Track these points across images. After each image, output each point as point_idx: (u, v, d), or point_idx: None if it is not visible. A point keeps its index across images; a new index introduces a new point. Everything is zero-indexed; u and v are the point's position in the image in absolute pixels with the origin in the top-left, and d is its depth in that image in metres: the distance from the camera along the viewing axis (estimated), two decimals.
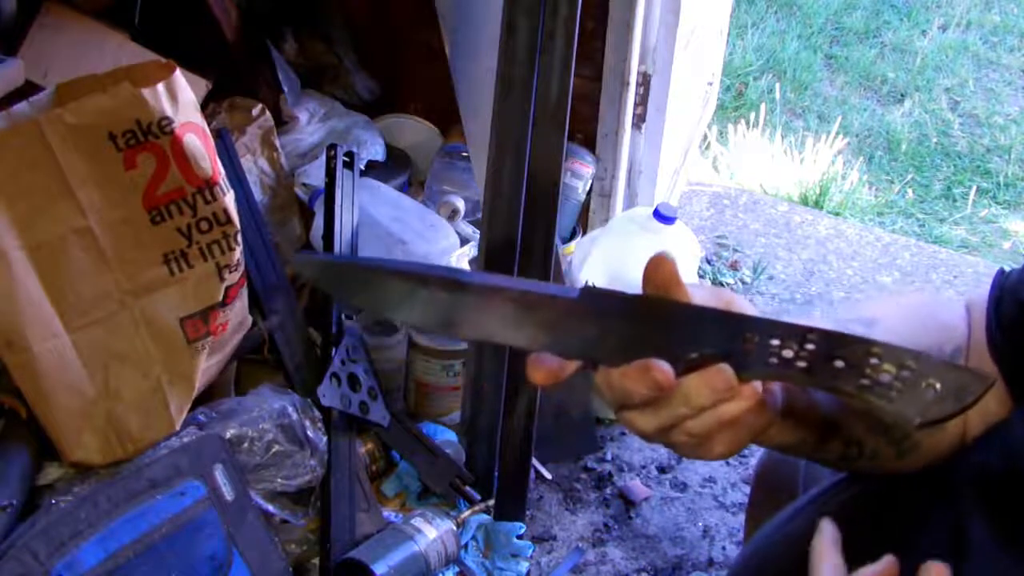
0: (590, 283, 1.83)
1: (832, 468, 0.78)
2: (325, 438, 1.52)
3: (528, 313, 0.58)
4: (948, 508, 0.74)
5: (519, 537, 1.62)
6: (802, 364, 0.57)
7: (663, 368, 0.57)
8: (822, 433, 0.71)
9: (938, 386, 0.56)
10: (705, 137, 2.92)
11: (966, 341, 0.77)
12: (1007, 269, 0.79)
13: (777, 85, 3.34)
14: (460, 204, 1.94)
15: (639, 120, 2.07)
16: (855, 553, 0.65)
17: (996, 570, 0.68)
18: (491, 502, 1.64)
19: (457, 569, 1.56)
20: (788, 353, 0.58)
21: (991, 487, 0.72)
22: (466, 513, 1.60)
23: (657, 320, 0.59)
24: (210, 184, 1.39)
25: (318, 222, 1.86)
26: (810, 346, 0.58)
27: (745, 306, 0.63)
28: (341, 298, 0.63)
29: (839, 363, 0.57)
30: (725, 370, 0.58)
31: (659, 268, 0.59)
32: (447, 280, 0.58)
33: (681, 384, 0.58)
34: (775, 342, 0.58)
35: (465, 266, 1.75)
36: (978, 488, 0.73)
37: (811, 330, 0.58)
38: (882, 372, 0.57)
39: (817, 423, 0.70)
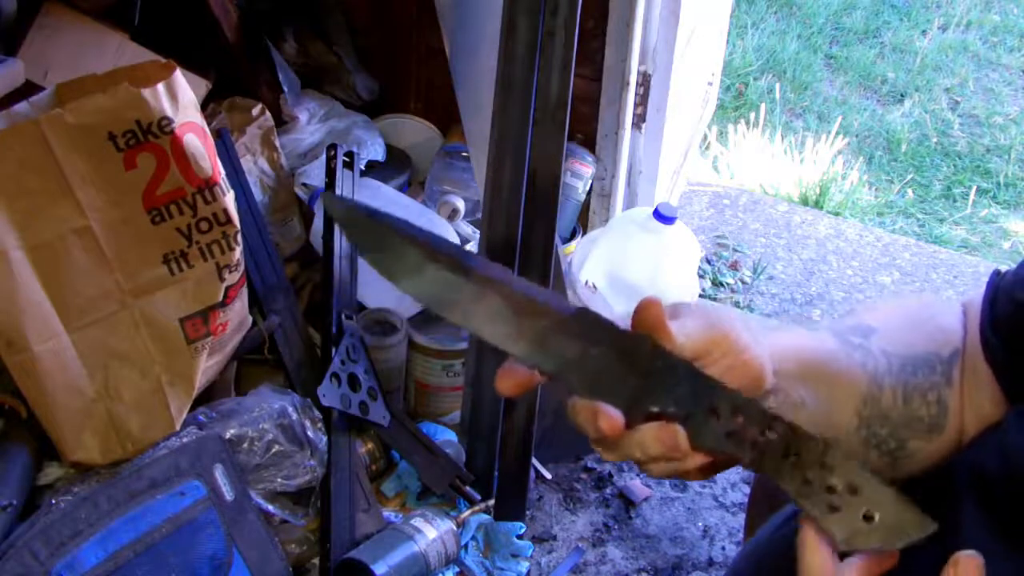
0: (590, 283, 1.83)
1: None
2: (325, 438, 1.52)
3: (518, 317, 0.58)
4: (944, 510, 0.74)
5: (519, 537, 1.62)
6: (756, 451, 0.58)
7: (611, 418, 0.58)
8: None
9: (877, 517, 0.56)
10: (705, 137, 2.93)
11: (962, 343, 0.77)
12: (1003, 270, 0.79)
13: (777, 85, 3.34)
14: (460, 204, 1.94)
15: (639, 120, 2.07)
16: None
17: (992, 571, 0.68)
18: (491, 502, 1.64)
19: (457, 569, 1.56)
20: (747, 435, 0.58)
21: (987, 489, 0.72)
22: (466, 513, 1.60)
23: (634, 363, 0.58)
24: (210, 184, 1.39)
25: (318, 222, 1.86)
26: (771, 435, 0.58)
27: (742, 337, 0.63)
28: (357, 249, 0.61)
29: (792, 458, 0.57)
30: (678, 433, 0.58)
31: (645, 312, 0.59)
32: (455, 261, 0.57)
33: (637, 431, 0.59)
34: (739, 419, 0.58)
35: None
36: (974, 490, 0.73)
37: (777, 419, 0.58)
38: (827, 483, 0.57)
39: None
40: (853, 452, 0.72)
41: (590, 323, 0.58)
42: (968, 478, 0.74)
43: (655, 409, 0.58)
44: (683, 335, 0.60)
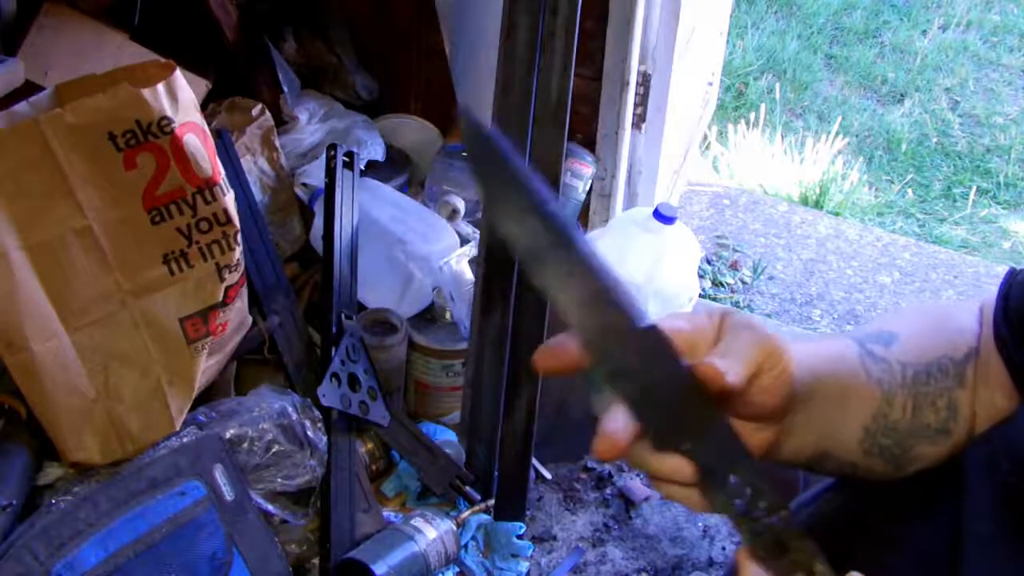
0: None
1: (834, 477, 0.79)
2: (325, 438, 1.52)
3: (591, 310, 0.57)
4: (951, 505, 0.74)
5: (519, 537, 1.62)
6: (752, 532, 0.58)
7: (614, 438, 0.57)
8: (812, 462, 0.72)
9: None
10: (705, 137, 2.93)
11: (977, 341, 0.77)
12: (1017, 268, 0.79)
13: (777, 85, 3.34)
14: (460, 204, 1.94)
15: (639, 120, 2.07)
16: (855, 554, 0.65)
17: (997, 566, 0.68)
18: (491, 502, 1.64)
19: (457, 569, 1.56)
20: (755, 512, 0.58)
21: (995, 483, 0.72)
22: (466, 513, 1.60)
23: (683, 402, 0.58)
24: (210, 184, 1.39)
25: (318, 222, 1.86)
26: (772, 520, 0.58)
27: (786, 353, 0.63)
28: (471, 169, 0.61)
29: (789, 555, 0.58)
30: (691, 490, 0.59)
31: (710, 385, 0.59)
32: (558, 232, 0.56)
33: (661, 457, 0.59)
34: (748, 491, 0.58)
35: (465, 267, 1.75)
36: (982, 484, 0.73)
37: (785, 507, 0.58)
38: None
39: (805, 459, 0.71)
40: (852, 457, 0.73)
41: (656, 345, 0.58)
42: (976, 472, 0.74)
43: (685, 448, 0.58)
44: (737, 356, 0.60)
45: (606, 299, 0.57)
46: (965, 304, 0.82)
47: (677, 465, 0.58)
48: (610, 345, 0.57)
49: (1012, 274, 0.78)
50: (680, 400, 0.58)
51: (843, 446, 0.72)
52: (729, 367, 0.58)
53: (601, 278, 0.57)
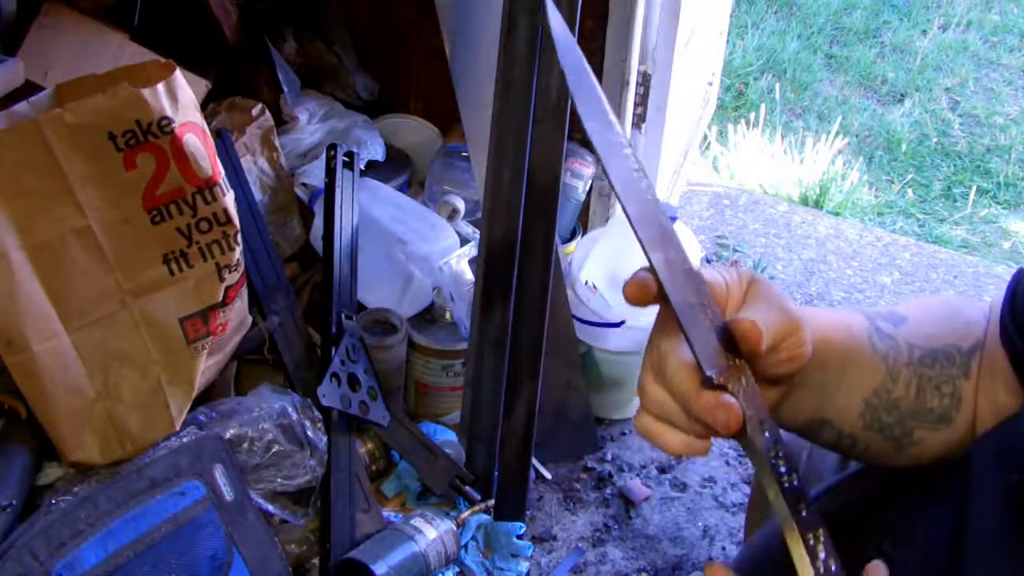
0: (590, 283, 1.83)
1: (833, 451, 0.80)
2: (325, 438, 1.52)
3: (659, 248, 0.65)
4: (956, 501, 0.74)
5: (519, 537, 1.62)
6: (783, 487, 0.60)
7: (735, 411, 0.60)
8: (809, 427, 0.73)
9: None
10: (705, 137, 2.93)
11: (984, 335, 0.78)
12: None
13: (777, 85, 3.34)
14: (460, 204, 1.94)
15: (639, 120, 2.07)
16: (857, 554, 0.65)
17: (998, 560, 0.69)
18: (491, 502, 1.64)
19: (457, 569, 1.56)
20: (780, 469, 0.60)
21: (1000, 480, 0.72)
22: (466, 513, 1.60)
23: (726, 344, 0.62)
24: (210, 184, 1.39)
25: (318, 222, 1.86)
26: (796, 483, 0.60)
27: (806, 328, 0.65)
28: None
29: (802, 515, 0.60)
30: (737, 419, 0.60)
31: (745, 338, 0.62)
32: (628, 194, 0.64)
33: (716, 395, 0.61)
34: (783, 465, 0.60)
35: (465, 267, 1.75)
36: (988, 481, 0.73)
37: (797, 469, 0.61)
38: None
39: (803, 422, 0.72)
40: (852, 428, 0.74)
41: (702, 298, 0.64)
42: (987, 471, 0.74)
43: (730, 388, 0.61)
44: (763, 324, 0.62)
45: (669, 237, 0.65)
46: (975, 301, 0.83)
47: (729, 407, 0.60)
48: (673, 279, 0.64)
49: (1021, 273, 0.78)
50: (725, 344, 0.62)
51: (843, 416, 0.73)
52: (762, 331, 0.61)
53: (665, 222, 0.65)
